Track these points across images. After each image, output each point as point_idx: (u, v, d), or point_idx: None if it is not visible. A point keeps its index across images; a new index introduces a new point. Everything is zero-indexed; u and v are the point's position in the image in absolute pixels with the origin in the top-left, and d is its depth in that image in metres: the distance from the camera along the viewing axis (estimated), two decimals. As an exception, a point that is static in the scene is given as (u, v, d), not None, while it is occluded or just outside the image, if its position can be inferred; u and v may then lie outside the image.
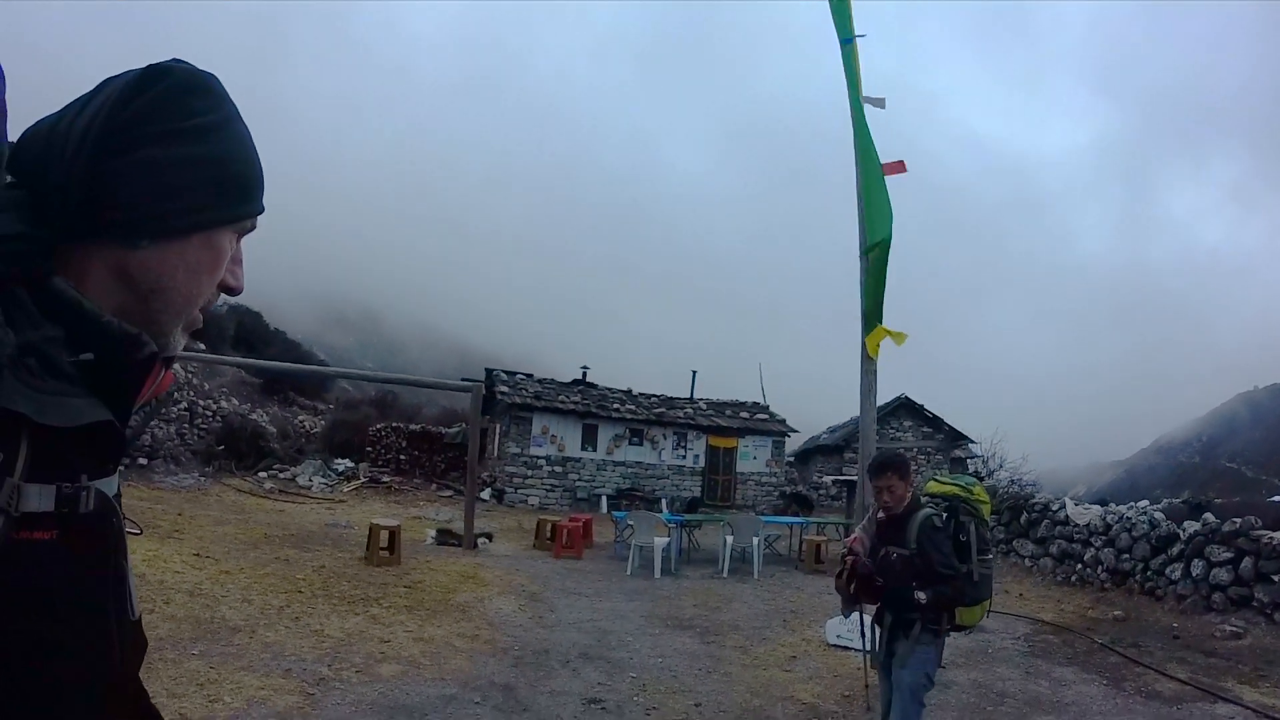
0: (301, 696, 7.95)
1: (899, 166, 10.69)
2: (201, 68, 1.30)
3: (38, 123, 1.23)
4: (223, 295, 1.39)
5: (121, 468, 1.30)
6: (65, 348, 1.12)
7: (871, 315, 10.41)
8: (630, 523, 18.82)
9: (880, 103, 10.75)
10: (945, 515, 5.99)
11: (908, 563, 5.82)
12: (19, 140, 1.22)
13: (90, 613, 1.16)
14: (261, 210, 1.38)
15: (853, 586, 6.08)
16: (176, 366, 1.56)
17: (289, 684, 8.22)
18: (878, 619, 6.35)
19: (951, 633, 6.15)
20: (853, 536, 6.46)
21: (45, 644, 1.09)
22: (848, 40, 10.79)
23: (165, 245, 1.23)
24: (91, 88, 1.25)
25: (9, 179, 1.17)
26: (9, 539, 1.04)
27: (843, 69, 10.90)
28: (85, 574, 1.15)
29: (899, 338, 10.38)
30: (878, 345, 10.38)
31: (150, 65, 1.25)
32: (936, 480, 6.46)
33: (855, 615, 6.74)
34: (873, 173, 10.57)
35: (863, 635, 6.89)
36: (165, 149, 1.21)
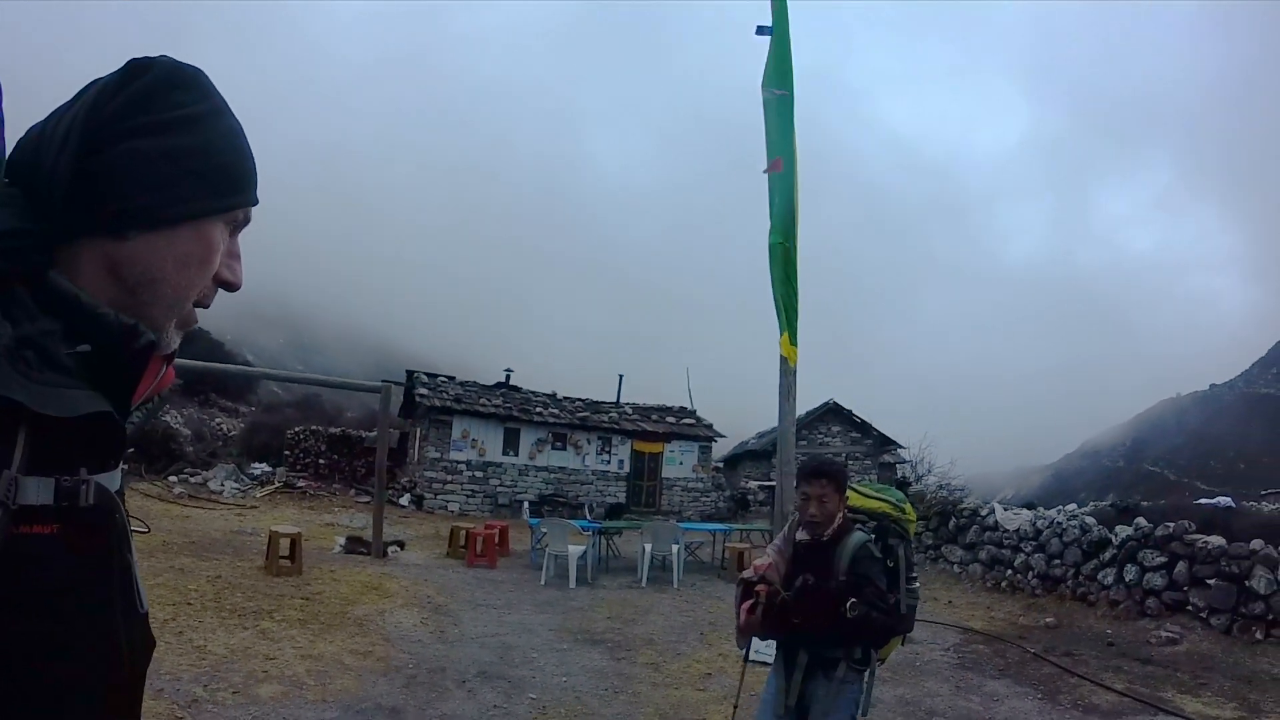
0: (168, 720, 7.20)
1: (776, 165, 10.24)
2: (187, 62, 1.30)
3: (31, 127, 1.23)
4: (221, 291, 1.38)
5: (124, 465, 1.32)
6: (63, 340, 1.13)
7: (784, 320, 9.89)
8: (544, 530, 18.18)
9: (767, 30, 10.29)
10: (875, 538, 5.05)
11: (835, 596, 4.74)
12: (17, 143, 1.23)
13: (94, 609, 1.16)
14: (254, 203, 1.37)
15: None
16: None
17: (158, 706, 7.49)
18: (787, 658, 5.18)
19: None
20: (764, 561, 5.19)
21: (48, 642, 1.09)
22: (767, 31, 10.32)
23: (153, 236, 1.23)
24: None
25: (5, 180, 1.19)
26: (8, 534, 1.04)
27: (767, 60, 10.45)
28: (88, 569, 1.15)
29: (790, 354, 9.86)
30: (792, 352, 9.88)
31: (132, 60, 1.25)
32: (857, 491, 5.41)
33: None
34: (786, 169, 10.10)
35: (746, 649, 5.87)
36: (149, 140, 1.21)
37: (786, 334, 9.85)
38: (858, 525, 5.09)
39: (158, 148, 1.21)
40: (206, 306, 1.36)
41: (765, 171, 10.20)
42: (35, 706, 1.08)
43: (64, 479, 1.11)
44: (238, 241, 1.37)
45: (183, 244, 1.25)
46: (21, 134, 1.24)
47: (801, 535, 5.09)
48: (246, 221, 1.37)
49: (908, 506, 5.38)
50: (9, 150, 1.23)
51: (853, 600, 4.65)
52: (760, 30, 10.30)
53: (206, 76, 1.31)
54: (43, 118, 1.24)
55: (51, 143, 1.18)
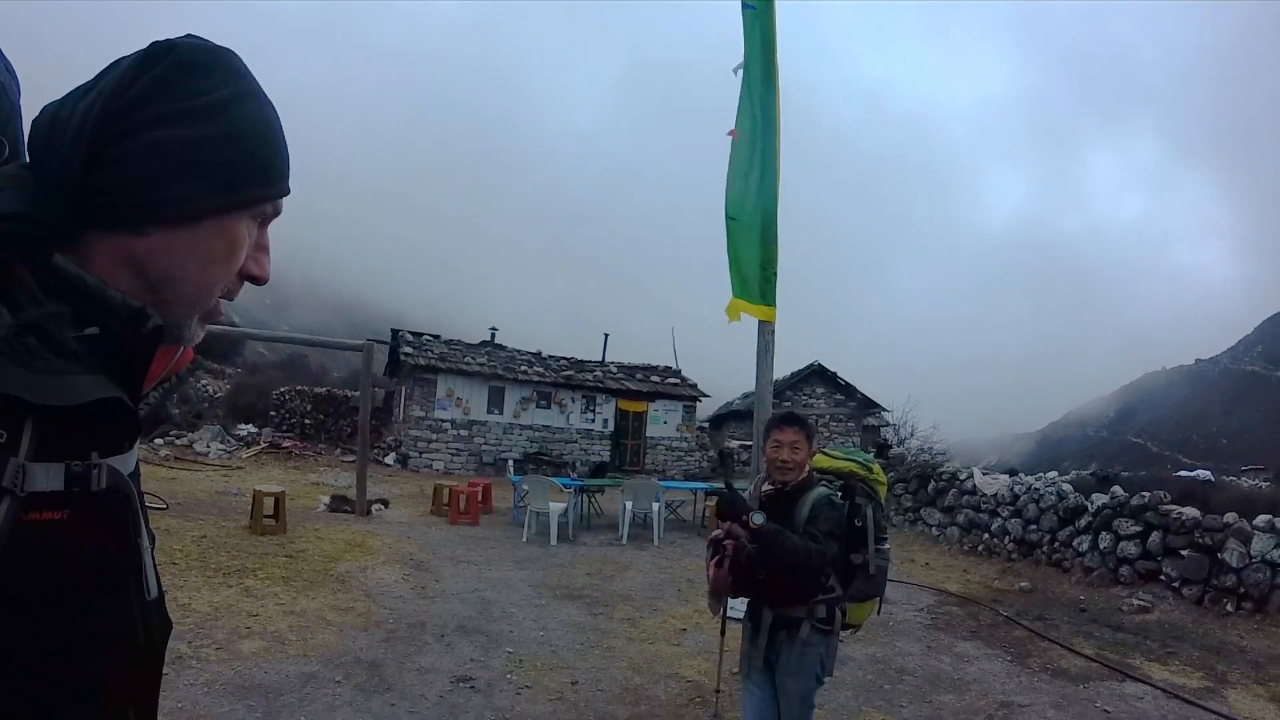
0: (152, 676, 7.32)
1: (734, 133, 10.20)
2: (216, 42, 1.27)
3: (47, 105, 1.20)
4: (247, 284, 1.35)
5: (140, 444, 1.32)
6: (70, 324, 1.12)
7: (747, 284, 9.85)
8: (526, 488, 18.26)
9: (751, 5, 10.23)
10: (840, 496, 5.04)
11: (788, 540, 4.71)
12: (33, 121, 1.20)
13: (108, 593, 1.17)
14: (285, 193, 1.32)
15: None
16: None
17: (142, 663, 7.58)
18: (752, 618, 5.26)
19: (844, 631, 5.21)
20: None
21: (62, 627, 1.09)
22: (750, 6, 10.28)
23: (174, 232, 1.20)
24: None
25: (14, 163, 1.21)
26: (17, 520, 1.04)
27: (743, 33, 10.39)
28: (100, 553, 1.15)
29: (757, 311, 9.82)
30: (739, 314, 9.84)
31: (155, 42, 1.21)
32: (827, 454, 5.45)
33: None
34: (752, 143, 10.06)
35: (722, 607, 5.86)
36: (169, 130, 1.17)
37: (742, 298, 9.79)
38: (823, 482, 5.09)
39: (177, 139, 1.17)
40: (231, 299, 1.35)
41: (729, 134, 10.16)
42: (51, 692, 1.09)
43: (74, 464, 1.10)
44: (266, 234, 1.34)
45: (205, 240, 1.22)
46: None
47: (767, 487, 5.10)
48: (277, 213, 1.33)
49: (876, 467, 5.36)
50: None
51: (754, 516, 4.65)
52: (746, 5, 10.25)
53: (235, 57, 1.26)
54: (59, 96, 1.21)
55: (67, 128, 1.15)
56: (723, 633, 6.00)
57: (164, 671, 1.36)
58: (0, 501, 1.03)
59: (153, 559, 1.32)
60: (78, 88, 1.20)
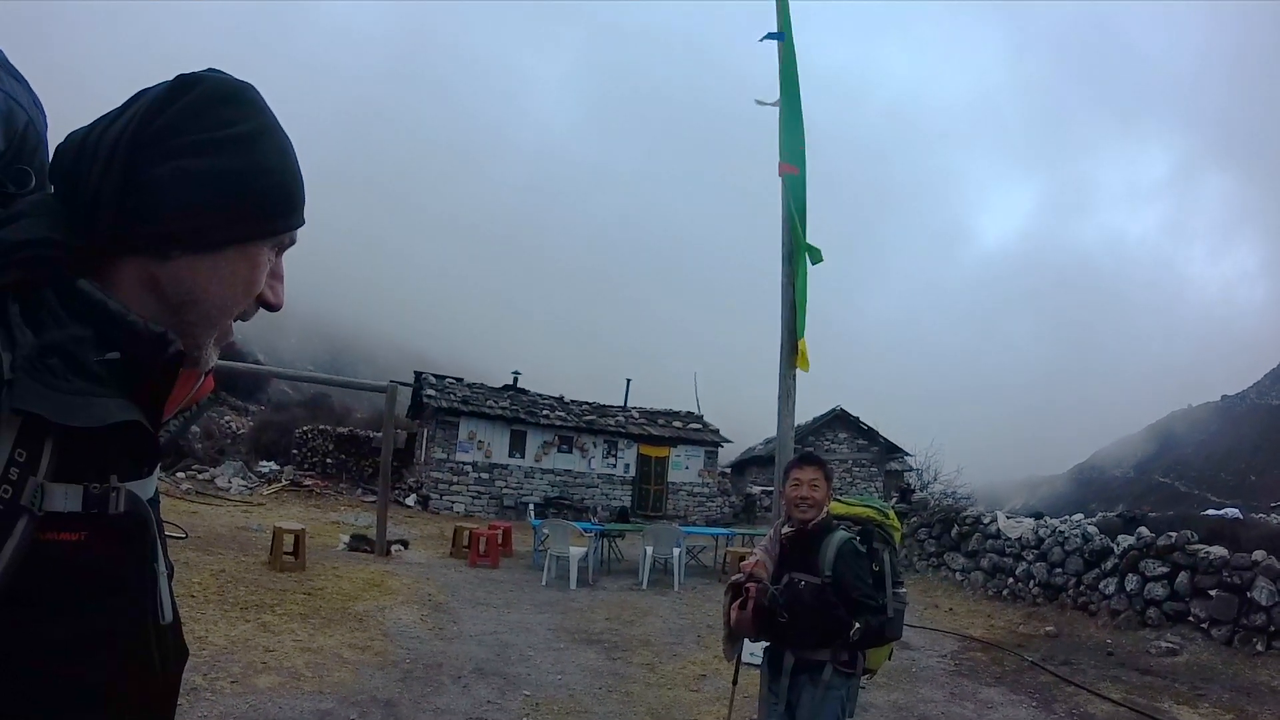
0: (166, 710, 7.26)
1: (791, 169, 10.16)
2: (238, 77, 1.30)
3: (72, 133, 1.22)
4: (261, 309, 1.38)
5: (160, 475, 1.35)
6: (92, 347, 1.12)
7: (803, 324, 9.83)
8: (546, 531, 18.17)
9: (777, 36, 10.20)
10: (859, 541, 5.05)
11: (819, 593, 4.80)
12: (56, 148, 1.23)
13: (121, 616, 1.16)
14: (301, 224, 1.36)
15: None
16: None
17: (158, 695, 7.53)
18: (773, 661, 5.22)
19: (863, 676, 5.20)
20: (752, 560, 5.23)
21: (75, 647, 1.09)
22: (778, 37, 10.27)
23: (198, 258, 1.23)
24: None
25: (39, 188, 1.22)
26: (34, 540, 1.04)
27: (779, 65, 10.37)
28: (116, 576, 1.15)
29: (803, 362, 9.80)
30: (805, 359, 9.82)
31: (181, 75, 1.25)
32: (842, 501, 5.46)
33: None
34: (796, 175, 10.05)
35: (738, 652, 5.85)
36: (197, 160, 1.19)
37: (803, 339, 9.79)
38: (842, 527, 5.09)
39: (205, 169, 1.20)
40: (246, 320, 1.37)
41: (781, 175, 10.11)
42: (62, 712, 1.09)
43: (93, 486, 1.11)
44: (282, 261, 1.37)
45: (227, 266, 1.26)
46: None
47: (787, 529, 5.11)
48: (292, 242, 1.37)
49: (892, 514, 5.43)
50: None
51: (856, 625, 4.71)
52: (771, 36, 10.22)
53: (256, 91, 1.30)
54: (85, 123, 1.23)
55: (96, 156, 1.17)
56: (735, 680, 5.93)
57: (178, 701, 1.33)
58: (18, 520, 1.03)
59: (169, 586, 1.32)
60: (103, 116, 1.22)
